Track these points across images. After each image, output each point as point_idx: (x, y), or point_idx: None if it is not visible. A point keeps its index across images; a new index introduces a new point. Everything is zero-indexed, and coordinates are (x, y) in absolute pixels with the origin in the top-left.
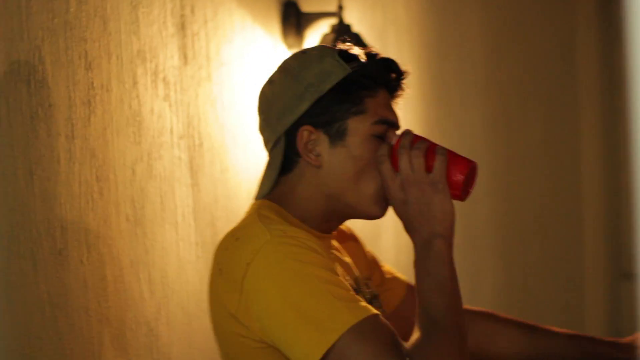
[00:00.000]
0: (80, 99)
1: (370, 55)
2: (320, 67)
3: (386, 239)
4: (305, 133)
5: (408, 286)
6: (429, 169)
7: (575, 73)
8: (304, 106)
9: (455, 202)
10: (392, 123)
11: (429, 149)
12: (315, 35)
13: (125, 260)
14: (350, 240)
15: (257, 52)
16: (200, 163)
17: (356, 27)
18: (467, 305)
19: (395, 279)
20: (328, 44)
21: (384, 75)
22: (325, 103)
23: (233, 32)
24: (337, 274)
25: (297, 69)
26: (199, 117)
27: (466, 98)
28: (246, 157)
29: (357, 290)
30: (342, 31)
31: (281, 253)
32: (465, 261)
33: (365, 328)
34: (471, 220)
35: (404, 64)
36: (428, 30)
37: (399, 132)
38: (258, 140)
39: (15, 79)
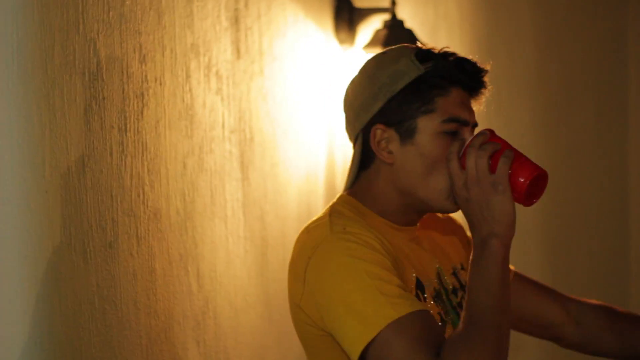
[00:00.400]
0: (133, 92)
1: (445, 55)
2: (395, 67)
3: None
4: (377, 132)
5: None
6: (493, 169)
7: (626, 71)
8: (377, 106)
9: None
10: (464, 121)
11: (498, 150)
12: (367, 31)
13: (175, 254)
14: (444, 229)
15: (309, 47)
16: (250, 157)
17: (408, 23)
18: None
19: None
20: (381, 40)
21: (456, 75)
22: (397, 102)
23: (286, 27)
24: (389, 270)
25: (373, 69)
26: (251, 111)
27: (516, 96)
28: (296, 152)
29: (436, 284)
30: (395, 27)
31: (337, 249)
32: (511, 257)
33: (406, 323)
34: (518, 216)
35: (483, 62)
36: (479, 26)
37: (478, 130)
38: (308, 135)
39: (70, 71)
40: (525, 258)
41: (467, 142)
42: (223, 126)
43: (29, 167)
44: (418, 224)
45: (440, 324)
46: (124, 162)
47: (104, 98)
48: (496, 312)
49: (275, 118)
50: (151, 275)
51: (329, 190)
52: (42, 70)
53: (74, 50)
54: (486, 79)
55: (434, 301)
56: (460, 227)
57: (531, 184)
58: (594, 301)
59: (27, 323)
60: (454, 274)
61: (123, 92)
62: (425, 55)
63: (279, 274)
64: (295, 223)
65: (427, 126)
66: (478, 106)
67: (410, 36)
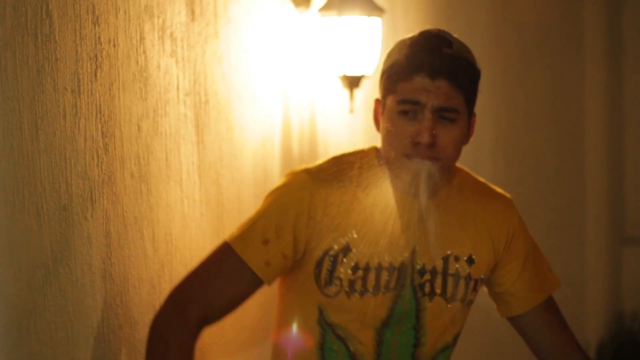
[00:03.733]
0: (87, 54)
1: (412, 45)
2: (393, 50)
3: None
4: (376, 103)
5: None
6: None
7: (582, 33)
8: (380, 82)
9: (460, 164)
10: (416, 102)
11: None
12: None
13: (130, 217)
14: (484, 220)
15: (264, 9)
16: (205, 121)
17: None
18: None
19: (528, 290)
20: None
21: (415, 65)
22: (382, 81)
23: None
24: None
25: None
26: (206, 74)
27: None
28: (252, 116)
29: (407, 259)
30: None
31: (285, 179)
32: None
33: (225, 252)
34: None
35: (457, 50)
36: None
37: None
38: (264, 98)
39: (22, 32)
40: None
41: (426, 122)
42: (178, 89)
43: None
44: (437, 196)
45: (350, 291)
46: (77, 125)
47: (56, 59)
48: None
49: (231, 81)
50: (106, 238)
51: (285, 154)
52: None
53: (26, 12)
54: (456, 66)
55: (395, 272)
56: (508, 232)
57: None
58: None
59: None
60: (445, 259)
61: (76, 54)
62: (406, 43)
63: None
64: (251, 187)
65: (390, 105)
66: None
67: (367, 1)
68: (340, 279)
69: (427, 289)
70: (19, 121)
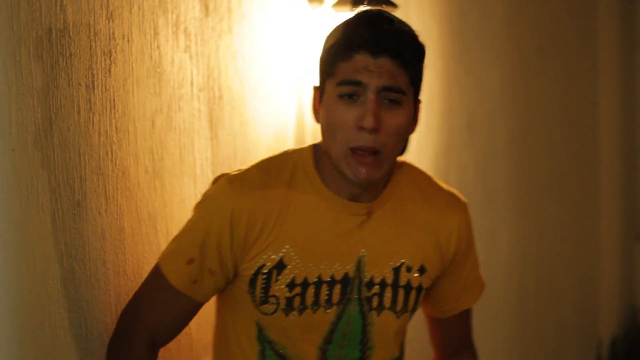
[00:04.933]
0: (101, 49)
1: (351, 21)
2: (331, 36)
3: None
4: (314, 91)
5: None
6: None
7: (596, 31)
8: (318, 66)
9: (475, 158)
10: (358, 82)
11: None
12: None
13: (144, 213)
14: (427, 223)
15: (278, 5)
16: (219, 116)
17: None
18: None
19: (460, 295)
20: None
21: (356, 41)
22: (320, 65)
23: None
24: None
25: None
26: (219, 69)
27: (486, 56)
28: (266, 111)
29: (351, 271)
30: None
31: (208, 193)
32: (482, 218)
33: (156, 275)
34: (489, 179)
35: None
36: None
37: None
38: (278, 93)
39: (37, 27)
40: (497, 221)
41: (369, 104)
42: (192, 84)
43: None
44: (381, 200)
45: (280, 309)
46: (91, 120)
47: (71, 55)
48: None
49: (245, 76)
50: (120, 234)
51: None
52: (7, 27)
53: (40, 7)
54: (403, 41)
55: (336, 285)
56: (442, 233)
57: None
58: None
59: None
60: (396, 269)
61: (90, 49)
62: (346, 22)
63: None
64: None
65: (329, 89)
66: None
67: None
68: (277, 297)
69: (374, 302)
70: (33, 116)
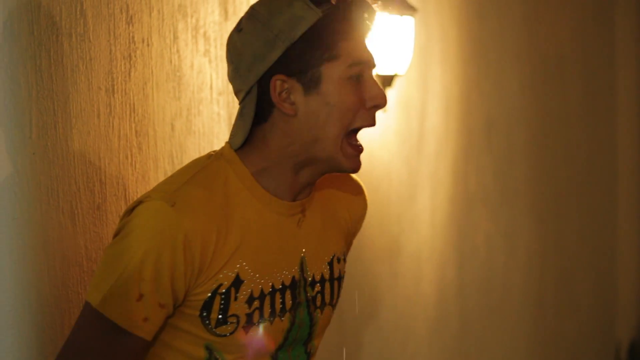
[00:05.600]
0: (121, 53)
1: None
2: (291, 12)
3: (422, 201)
4: (278, 82)
5: None
6: None
7: (613, 34)
8: (275, 54)
9: (494, 162)
10: (368, 61)
11: None
12: None
13: None
14: (338, 209)
15: None
16: None
17: None
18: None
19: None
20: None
21: (357, 17)
22: (298, 51)
23: None
24: (154, 280)
25: (266, 15)
26: None
27: (505, 60)
28: None
29: (297, 273)
30: None
31: (142, 217)
32: (501, 222)
33: (96, 318)
34: (508, 182)
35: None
36: None
37: None
38: None
39: (57, 32)
40: (515, 223)
41: (374, 82)
42: (211, 88)
43: (16, 129)
44: (311, 195)
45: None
46: (111, 124)
47: (91, 59)
48: None
49: None
50: None
51: None
52: (28, 31)
53: (61, 11)
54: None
55: (287, 291)
56: (350, 216)
57: None
58: None
59: (15, 285)
60: (330, 263)
61: (110, 53)
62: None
63: None
64: None
65: (333, 73)
66: None
67: (400, 0)
68: (237, 316)
69: (318, 301)
70: (53, 120)
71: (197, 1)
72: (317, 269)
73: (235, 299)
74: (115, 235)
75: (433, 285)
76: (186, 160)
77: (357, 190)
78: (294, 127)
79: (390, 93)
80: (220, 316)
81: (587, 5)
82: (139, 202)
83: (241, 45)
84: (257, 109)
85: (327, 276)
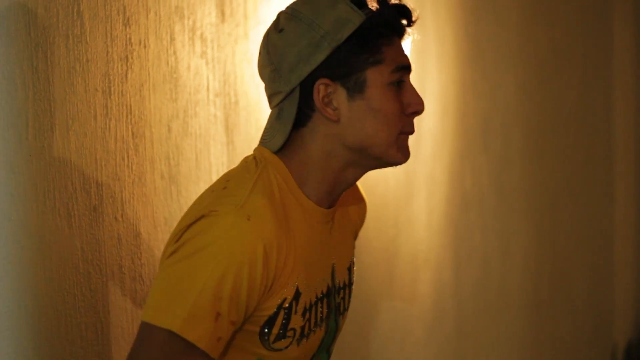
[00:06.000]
0: (117, 55)
1: (383, 1)
2: (335, 14)
3: (418, 202)
4: (322, 87)
5: None
6: None
7: (611, 36)
8: (321, 57)
9: (490, 163)
10: (409, 67)
11: None
12: None
13: (160, 218)
14: (350, 216)
15: None
16: (235, 121)
17: None
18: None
19: None
20: None
21: (398, 22)
22: (343, 54)
23: None
24: (234, 297)
25: (310, 16)
26: (235, 74)
27: (501, 61)
28: None
29: (330, 282)
30: None
31: (215, 232)
32: (497, 222)
33: (174, 346)
34: (504, 184)
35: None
36: None
37: None
38: None
39: (54, 33)
40: (511, 225)
41: (413, 88)
42: (208, 89)
43: (12, 130)
44: (336, 204)
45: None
46: (108, 126)
47: (87, 61)
48: None
49: (260, 82)
50: (136, 239)
51: None
52: (25, 33)
53: (57, 13)
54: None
55: (324, 300)
56: (359, 220)
57: None
58: None
59: (11, 287)
60: (349, 269)
61: (107, 55)
62: (359, 0)
63: None
64: None
65: (377, 78)
66: None
67: None
68: (294, 329)
69: (341, 307)
70: (50, 122)
71: (194, 3)
72: (342, 276)
73: (295, 312)
74: (173, 252)
75: (430, 286)
76: (182, 162)
77: (361, 194)
78: (337, 132)
79: None
80: (281, 331)
81: (585, 8)
82: (199, 217)
83: (283, 45)
84: (298, 113)
85: (347, 282)
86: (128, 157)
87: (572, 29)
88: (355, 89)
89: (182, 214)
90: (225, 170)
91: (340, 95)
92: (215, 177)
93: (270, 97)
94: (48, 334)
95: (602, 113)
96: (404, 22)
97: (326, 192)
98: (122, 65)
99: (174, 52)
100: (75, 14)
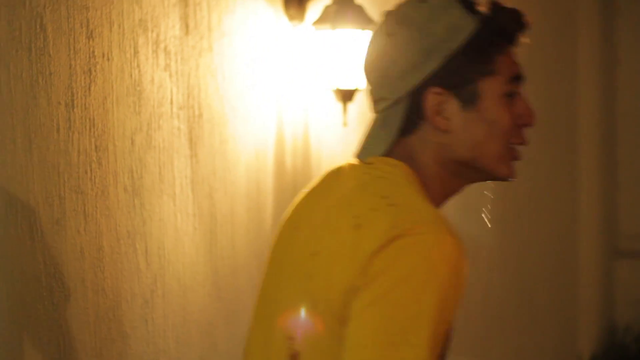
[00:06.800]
0: (81, 68)
1: (495, 6)
2: (448, 19)
3: None
4: (434, 95)
5: None
6: None
7: (576, 49)
8: (433, 65)
9: None
10: (522, 76)
11: None
12: (317, 7)
13: (123, 231)
14: None
15: (258, 23)
16: (199, 134)
17: None
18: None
19: None
20: (331, 16)
21: (513, 28)
22: (455, 62)
23: (235, 3)
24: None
25: (422, 21)
26: (199, 87)
27: None
28: (246, 129)
29: None
30: (345, 3)
31: (442, 255)
32: (462, 233)
33: None
34: (469, 194)
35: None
36: None
37: None
38: (258, 112)
39: (17, 46)
40: (475, 238)
41: (525, 100)
42: (171, 102)
43: None
44: None
45: None
46: (71, 139)
47: (50, 73)
48: None
49: (225, 95)
50: (99, 252)
51: (278, 167)
52: None
53: (20, 26)
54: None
55: None
56: None
57: None
58: None
59: None
60: None
61: (70, 68)
62: (471, 5)
63: (228, 252)
64: (244, 200)
65: (490, 89)
66: None
67: (360, 13)
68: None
69: None
70: (12, 135)
71: (157, 15)
72: None
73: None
74: (367, 284)
75: None
76: (146, 175)
77: None
78: (446, 142)
79: (351, 107)
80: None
81: (549, 17)
82: (394, 237)
83: (394, 51)
84: (405, 120)
85: None
86: (91, 170)
87: (537, 42)
88: (469, 100)
89: (145, 227)
90: (189, 184)
91: (452, 105)
92: (178, 190)
93: (375, 102)
94: (10, 348)
95: (567, 125)
96: (517, 28)
97: (441, 202)
98: (85, 78)
99: (138, 65)
100: (38, 26)
